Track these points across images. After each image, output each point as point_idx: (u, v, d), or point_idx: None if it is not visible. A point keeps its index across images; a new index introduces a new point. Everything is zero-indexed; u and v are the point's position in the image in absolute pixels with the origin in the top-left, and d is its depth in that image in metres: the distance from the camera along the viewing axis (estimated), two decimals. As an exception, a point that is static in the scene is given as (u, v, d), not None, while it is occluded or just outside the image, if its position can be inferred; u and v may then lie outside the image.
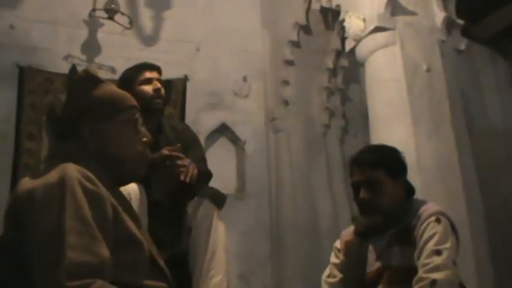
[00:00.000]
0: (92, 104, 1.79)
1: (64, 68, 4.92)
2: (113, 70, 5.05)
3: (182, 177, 3.13)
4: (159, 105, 3.52)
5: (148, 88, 3.45)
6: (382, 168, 2.69)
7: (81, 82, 1.86)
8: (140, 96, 3.40)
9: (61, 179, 1.53)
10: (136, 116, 1.85)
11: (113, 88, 1.88)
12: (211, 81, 5.47)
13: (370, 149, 3.01)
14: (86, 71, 1.88)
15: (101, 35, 5.22)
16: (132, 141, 1.82)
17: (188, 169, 3.16)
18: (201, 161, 3.50)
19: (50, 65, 4.92)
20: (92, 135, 1.75)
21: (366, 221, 2.72)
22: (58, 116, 4.60)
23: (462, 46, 4.15)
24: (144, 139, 1.87)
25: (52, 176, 1.56)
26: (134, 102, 1.89)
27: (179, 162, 3.16)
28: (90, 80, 1.84)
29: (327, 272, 2.91)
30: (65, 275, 1.39)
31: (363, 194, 2.68)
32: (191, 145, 3.55)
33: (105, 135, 1.77)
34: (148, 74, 3.52)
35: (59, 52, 5.01)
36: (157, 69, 3.61)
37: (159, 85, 3.49)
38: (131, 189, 2.94)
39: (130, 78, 3.52)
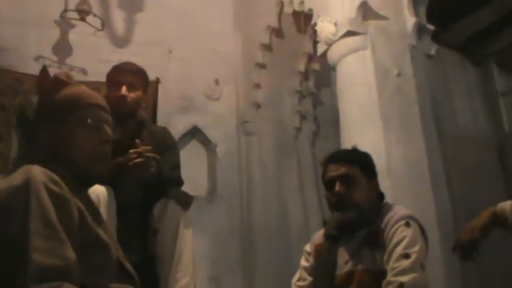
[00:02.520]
0: (51, 106, 1.79)
1: (35, 69, 4.85)
2: (84, 72, 5.01)
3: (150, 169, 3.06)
4: (124, 111, 3.32)
5: (113, 93, 3.31)
6: (358, 165, 2.75)
7: (48, 86, 1.85)
8: (107, 99, 3.35)
9: (25, 181, 1.52)
10: (96, 114, 1.83)
11: (74, 89, 1.86)
12: (183, 83, 5.44)
13: (345, 150, 3.11)
14: (55, 75, 1.87)
15: (72, 36, 5.16)
16: (90, 140, 1.79)
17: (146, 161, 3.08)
18: (173, 168, 3.45)
19: (20, 66, 4.85)
20: (52, 137, 1.75)
21: (338, 216, 2.72)
22: (27, 118, 4.54)
23: (432, 51, 4.17)
24: (104, 138, 1.83)
25: (16, 179, 1.54)
26: (94, 100, 1.86)
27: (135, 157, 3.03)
28: (56, 83, 1.83)
29: (297, 275, 2.92)
30: (31, 279, 1.37)
31: (338, 188, 2.70)
32: (165, 150, 3.46)
33: (62, 136, 1.76)
34: (118, 77, 3.36)
35: (29, 53, 4.95)
36: (131, 71, 3.42)
37: (123, 91, 3.31)
38: (100, 192, 2.89)
39: (107, 77, 3.45)
